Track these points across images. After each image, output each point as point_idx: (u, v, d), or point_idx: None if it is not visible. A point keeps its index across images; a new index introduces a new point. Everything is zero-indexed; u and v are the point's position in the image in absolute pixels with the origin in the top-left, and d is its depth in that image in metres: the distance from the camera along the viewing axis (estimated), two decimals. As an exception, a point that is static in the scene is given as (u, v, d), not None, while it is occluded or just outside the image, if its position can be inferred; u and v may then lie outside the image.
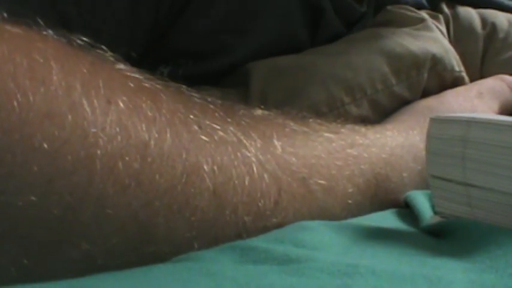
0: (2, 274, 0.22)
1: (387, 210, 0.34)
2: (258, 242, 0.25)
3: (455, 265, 0.23)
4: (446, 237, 0.28)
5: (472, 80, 0.52)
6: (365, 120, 0.42)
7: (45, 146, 0.22)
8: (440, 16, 0.55)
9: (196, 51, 0.45)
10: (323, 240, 0.25)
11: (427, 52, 0.48)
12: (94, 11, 0.39)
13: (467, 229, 0.26)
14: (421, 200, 0.32)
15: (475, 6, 0.57)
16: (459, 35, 0.55)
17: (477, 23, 0.55)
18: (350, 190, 0.33)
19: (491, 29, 0.55)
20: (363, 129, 0.38)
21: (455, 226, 0.27)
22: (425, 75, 0.48)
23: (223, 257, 0.23)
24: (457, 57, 0.51)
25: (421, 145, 0.39)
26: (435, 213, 0.30)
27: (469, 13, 0.56)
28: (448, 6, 0.57)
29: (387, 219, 0.32)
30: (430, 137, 0.29)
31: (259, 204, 0.28)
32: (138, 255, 0.24)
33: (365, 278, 0.21)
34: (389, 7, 0.55)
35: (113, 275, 0.21)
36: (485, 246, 0.24)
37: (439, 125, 0.29)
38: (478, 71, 0.54)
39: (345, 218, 0.32)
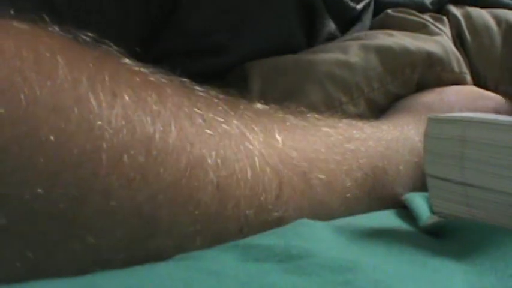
0: (8, 268, 0.22)
1: (387, 210, 0.34)
2: (260, 239, 0.25)
3: (455, 267, 0.23)
4: (445, 237, 0.28)
5: (492, 75, 0.51)
6: (361, 118, 0.42)
7: (52, 138, 0.22)
8: (444, 18, 0.55)
9: (191, 51, 0.44)
10: (324, 237, 0.26)
11: (422, 50, 0.48)
12: (84, 4, 0.39)
13: (466, 229, 0.27)
14: (418, 202, 0.32)
15: (479, 6, 0.57)
16: (474, 31, 0.54)
17: (491, 20, 0.55)
18: (348, 184, 0.33)
19: (507, 26, 0.55)
20: (359, 123, 0.38)
21: (454, 226, 0.28)
22: (420, 73, 0.48)
23: (225, 255, 0.23)
24: (460, 59, 0.50)
25: (417, 139, 0.39)
26: (433, 213, 0.30)
27: (480, 11, 0.56)
28: (457, 7, 0.56)
29: (387, 218, 0.32)
30: (428, 137, 0.29)
31: (261, 198, 0.28)
32: (142, 248, 0.24)
33: (366, 273, 0.21)
34: (389, 11, 0.54)
35: (115, 273, 0.21)
36: (485, 247, 0.24)
37: (437, 124, 0.29)
38: (498, 67, 0.53)
39: (344, 212, 0.32)
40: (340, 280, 0.21)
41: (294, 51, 0.47)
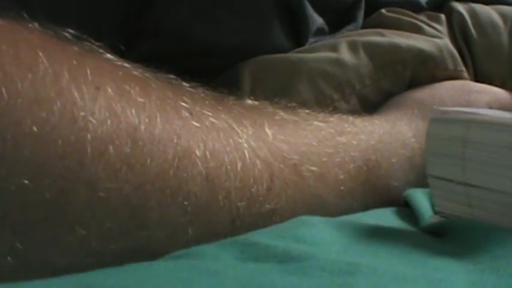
0: None
1: (388, 209, 0.34)
2: (259, 237, 0.24)
3: (457, 266, 0.23)
4: (446, 237, 0.28)
5: (498, 72, 0.51)
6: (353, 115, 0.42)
7: (35, 130, 0.22)
8: (442, 16, 0.54)
9: (171, 52, 0.44)
10: (324, 237, 0.25)
11: (413, 47, 0.48)
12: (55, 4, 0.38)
13: (467, 229, 0.26)
14: (420, 199, 0.32)
15: (483, 3, 0.57)
16: (480, 28, 0.54)
17: (497, 17, 0.55)
18: (341, 177, 0.33)
19: None
20: (350, 118, 0.38)
21: (455, 226, 0.27)
22: (412, 70, 0.48)
23: (224, 253, 0.23)
24: (457, 57, 0.50)
25: (409, 134, 0.39)
26: (435, 213, 0.30)
27: (486, 8, 0.55)
28: (462, 3, 0.56)
29: (388, 218, 0.32)
30: (429, 137, 0.29)
31: (252, 190, 0.28)
32: (133, 240, 0.24)
33: (366, 276, 0.21)
34: (383, 10, 0.54)
35: (113, 271, 0.21)
36: (486, 247, 0.24)
37: (438, 124, 0.29)
38: (504, 64, 0.53)
39: (338, 205, 0.32)
40: (340, 282, 0.20)
41: (280, 49, 0.47)
